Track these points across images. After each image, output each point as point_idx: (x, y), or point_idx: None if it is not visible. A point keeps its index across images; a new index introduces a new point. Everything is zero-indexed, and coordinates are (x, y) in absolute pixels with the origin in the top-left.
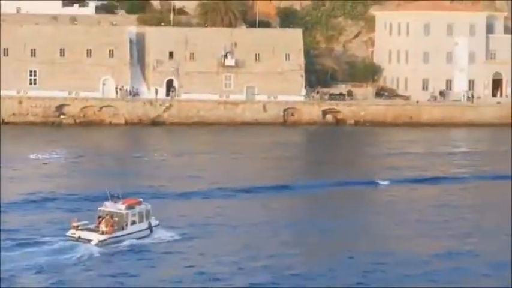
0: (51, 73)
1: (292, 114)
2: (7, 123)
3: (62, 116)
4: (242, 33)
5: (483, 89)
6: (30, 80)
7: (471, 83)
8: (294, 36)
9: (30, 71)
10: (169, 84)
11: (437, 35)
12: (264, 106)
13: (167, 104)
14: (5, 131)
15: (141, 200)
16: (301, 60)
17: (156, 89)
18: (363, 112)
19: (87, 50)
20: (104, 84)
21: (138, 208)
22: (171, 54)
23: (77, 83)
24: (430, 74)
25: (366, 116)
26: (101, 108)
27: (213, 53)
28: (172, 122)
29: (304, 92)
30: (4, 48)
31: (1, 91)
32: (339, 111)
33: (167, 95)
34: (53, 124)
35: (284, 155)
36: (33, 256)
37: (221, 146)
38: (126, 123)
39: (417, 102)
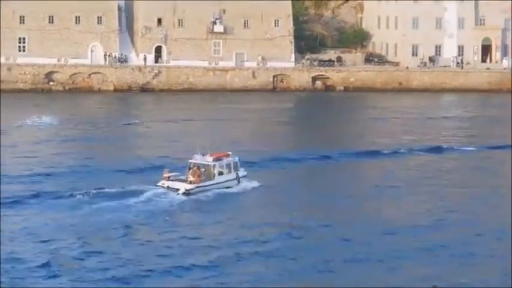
0: (40, 40)
1: (282, 81)
2: None
3: (51, 83)
4: (231, 0)
5: (472, 55)
6: (19, 47)
7: (460, 49)
8: (283, 2)
9: (19, 38)
10: (158, 51)
11: (426, 0)
12: (253, 73)
13: (156, 71)
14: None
15: (229, 153)
16: (290, 26)
17: (145, 56)
18: (352, 78)
19: (76, 17)
20: (92, 51)
21: (225, 160)
22: (159, 21)
23: (65, 50)
24: (420, 40)
25: (355, 82)
26: (90, 75)
27: (202, 20)
28: (161, 88)
29: (293, 58)
30: None
31: None
32: (328, 78)
33: (156, 61)
34: (43, 91)
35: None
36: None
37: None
38: (115, 90)
39: (407, 68)
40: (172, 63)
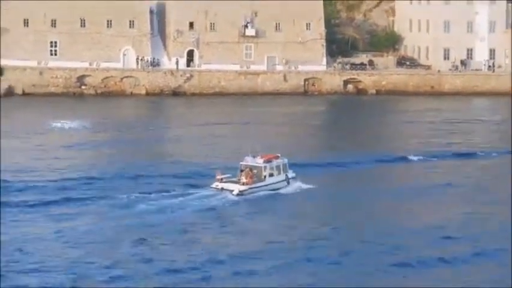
0: (72, 44)
1: (313, 84)
2: (27, 94)
3: (83, 87)
4: (262, 3)
5: (504, 58)
6: (51, 51)
7: (492, 52)
8: (315, 5)
9: (51, 42)
10: (190, 55)
11: (457, 3)
12: (284, 76)
13: (188, 75)
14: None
15: (278, 155)
16: (322, 29)
17: (177, 60)
18: (384, 81)
19: (108, 21)
20: (124, 54)
21: (275, 162)
22: (191, 25)
23: (97, 54)
24: (451, 43)
25: (387, 86)
26: (122, 78)
27: (234, 23)
28: (193, 92)
29: (325, 61)
30: (24, 19)
31: (22, 62)
32: (360, 81)
33: (188, 65)
34: (74, 95)
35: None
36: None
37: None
38: (147, 94)
39: (438, 71)
40: (204, 67)
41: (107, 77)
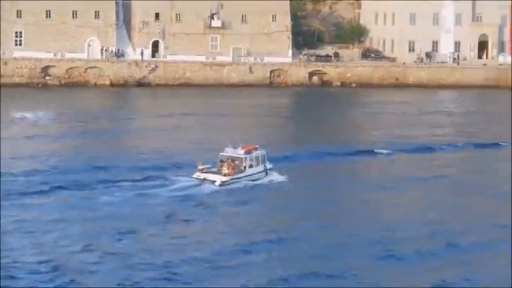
0: (37, 34)
1: (279, 76)
2: None
3: (47, 77)
4: None
5: (469, 51)
6: (16, 41)
7: (457, 45)
8: None
9: (16, 32)
10: (155, 46)
11: None
12: (250, 67)
13: (153, 66)
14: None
15: (257, 146)
16: (288, 21)
17: (142, 50)
18: (349, 74)
19: (73, 12)
20: (89, 45)
21: (254, 153)
22: (157, 16)
23: (62, 45)
24: (417, 36)
25: (352, 78)
26: (86, 69)
27: (199, 14)
28: (158, 83)
29: (290, 53)
30: None
31: None
32: (325, 73)
33: (153, 56)
34: (39, 85)
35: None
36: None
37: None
38: (112, 85)
39: (403, 63)
40: (169, 58)
41: (71, 68)
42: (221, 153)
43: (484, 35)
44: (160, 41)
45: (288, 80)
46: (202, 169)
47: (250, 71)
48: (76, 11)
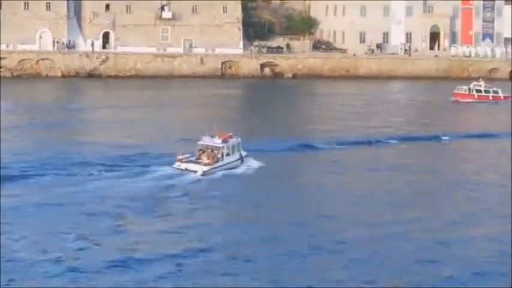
0: None
1: (230, 67)
2: None
3: None
4: None
5: (421, 42)
6: None
7: (408, 36)
8: None
9: None
10: (106, 37)
11: None
12: (201, 59)
13: (103, 57)
14: None
15: (231, 134)
16: (239, 12)
17: (92, 42)
18: (300, 65)
19: (25, 3)
20: (41, 37)
21: (231, 141)
22: (107, 7)
23: (14, 36)
24: (367, 27)
25: (303, 69)
26: (37, 61)
27: (150, 6)
28: (109, 74)
29: (241, 44)
30: None
31: None
32: (276, 65)
33: (104, 47)
34: None
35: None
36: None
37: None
38: (63, 76)
39: (354, 55)
40: (120, 49)
41: (23, 60)
42: (199, 142)
43: (435, 26)
44: (111, 32)
45: (239, 71)
46: (182, 159)
47: (202, 62)
48: (27, 3)
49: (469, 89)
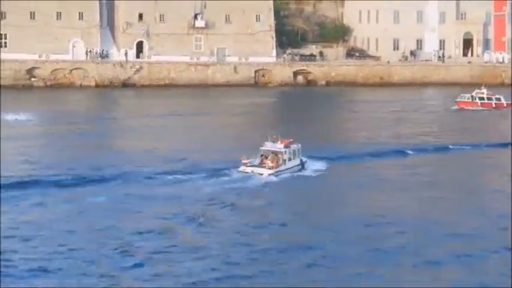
0: (22, 36)
1: (264, 76)
2: None
3: (32, 79)
4: None
5: (454, 48)
6: (0, 43)
7: (442, 43)
8: None
9: (0, 34)
10: (139, 46)
11: None
12: (235, 68)
13: (137, 66)
14: None
15: (292, 139)
16: (272, 21)
17: (126, 51)
18: (333, 73)
19: (57, 13)
20: (74, 46)
21: (292, 147)
22: (140, 16)
23: (47, 46)
24: (401, 34)
25: (336, 77)
26: (71, 70)
27: (183, 14)
28: (142, 84)
29: (275, 53)
30: None
31: None
32: (310, 72)
33: (137, 57)
34: (24, 87)
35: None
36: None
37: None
38: (97, 86)
39: (388, 62)
40: (153, 58)
41: (56, 69)
42: (261, 148)
43: (468, 33)
44: (144, 41)
45: (272, 79)
46: (247, 163)
47: (235, 71)
48: (60, 12)
49: (472, 96)
